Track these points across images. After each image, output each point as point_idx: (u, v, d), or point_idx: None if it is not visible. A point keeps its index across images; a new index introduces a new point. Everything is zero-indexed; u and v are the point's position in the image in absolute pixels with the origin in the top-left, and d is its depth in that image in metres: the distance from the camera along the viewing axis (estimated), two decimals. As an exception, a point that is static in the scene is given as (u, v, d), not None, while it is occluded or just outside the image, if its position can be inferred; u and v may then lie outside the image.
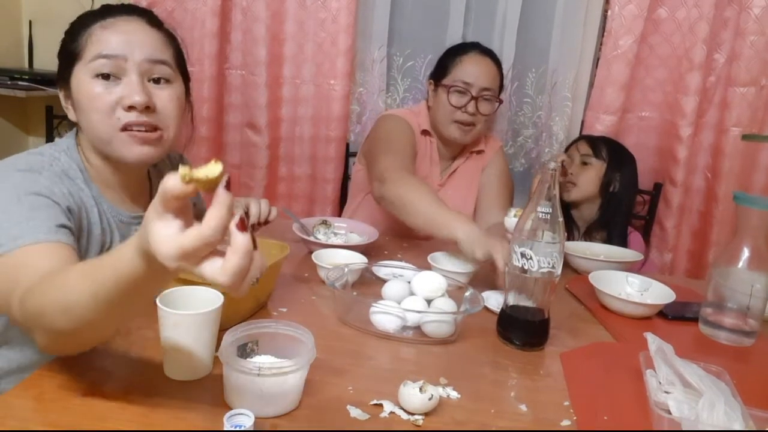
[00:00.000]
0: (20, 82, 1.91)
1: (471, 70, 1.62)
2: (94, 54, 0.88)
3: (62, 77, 0.94)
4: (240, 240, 0.51)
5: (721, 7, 1.84)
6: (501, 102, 1.69)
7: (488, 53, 1.67)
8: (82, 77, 0.89)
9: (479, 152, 1.76)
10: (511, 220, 1.25)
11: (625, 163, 1.81)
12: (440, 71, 1.68)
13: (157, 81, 0.93)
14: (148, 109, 0.90)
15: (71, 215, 0.87)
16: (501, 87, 1.70)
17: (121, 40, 0.89)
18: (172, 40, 0.98)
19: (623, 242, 1.72)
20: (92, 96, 0.89)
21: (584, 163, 1.79)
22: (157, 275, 0.56)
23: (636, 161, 1.84)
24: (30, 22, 2.13)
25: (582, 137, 1.89)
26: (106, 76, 0.89)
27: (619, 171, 1.78)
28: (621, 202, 1.78)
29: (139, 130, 0.90)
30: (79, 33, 0.91)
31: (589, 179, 1.77)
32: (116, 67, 0.89)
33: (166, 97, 0.93)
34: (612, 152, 1.80)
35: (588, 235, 1.79)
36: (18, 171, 0.85)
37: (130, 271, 0.56)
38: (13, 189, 0.82)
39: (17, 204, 0.80)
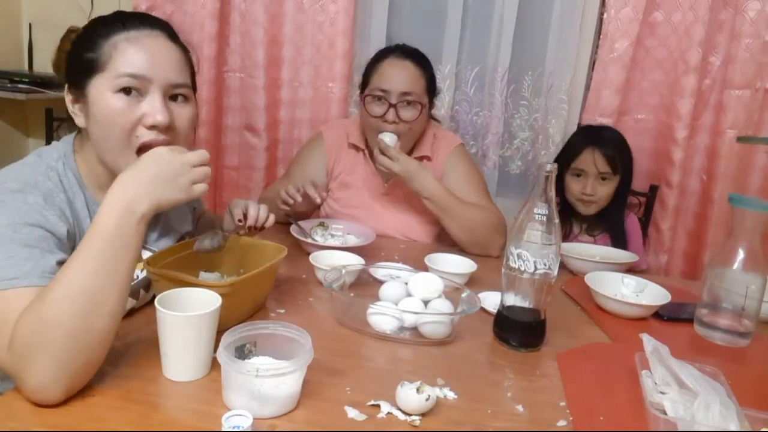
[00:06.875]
0: (20, 85, 1.90)
1: (388, 76, 1.49)
2: (120, 72, 0.88)
3: (75, 83, 0.92)
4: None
5: (716, 10, 1.85)
6: (428, 106, 1.55)
7: (409, 55, 1.53)
8: (103, 90, 0.88)
9: (426, 158, 1.60)
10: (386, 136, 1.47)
11: (630, 165, 1.79)
12: (364, 81, 1.58)
13: (174, 98, 0.94)
14: (168, 127, 0.91)
15: (67, 236, 0.86)
16: (430, 89, 1.55)
17: (147, 60, 0.89)
18: (188, 55, 0.98)
19: (623, 228, 1.76)
20: (114, 111, 0.88)
21: (603, 179, 1.73)
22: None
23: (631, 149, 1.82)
24: (30, 25, 2.13)
25: (595, 146, 1.73)
26: (128, 91, 0.88)
27: (628, 176, 1.78)
28: (623, 196, 1.80)
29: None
30: (98, 43, 0.89)
31: (608, 193, 1.74)
32: (140, 86, 0.89)
33: (184, 115, 0.94)
34: (624, 161, 1.75)
35: (590, 229, 1.80)
36: (11, 192, 0.83)
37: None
38: (7, 220, 0.80)
39: (12, 237, 0.78)
